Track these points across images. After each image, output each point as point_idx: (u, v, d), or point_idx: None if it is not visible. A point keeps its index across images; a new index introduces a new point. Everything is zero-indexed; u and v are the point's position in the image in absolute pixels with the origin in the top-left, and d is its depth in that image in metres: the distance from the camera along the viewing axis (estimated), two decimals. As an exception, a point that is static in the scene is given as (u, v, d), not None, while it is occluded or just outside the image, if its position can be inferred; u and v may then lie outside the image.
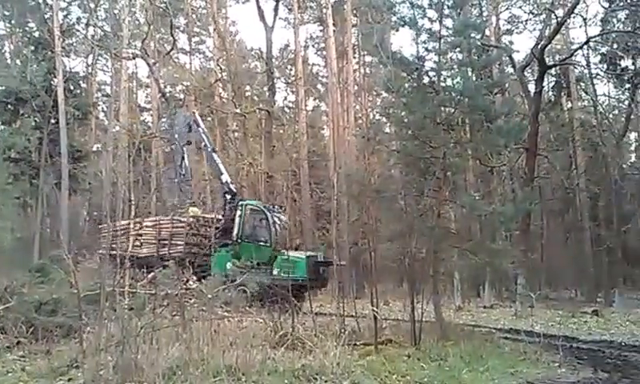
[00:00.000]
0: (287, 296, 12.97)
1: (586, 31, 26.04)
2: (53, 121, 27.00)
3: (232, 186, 20.84)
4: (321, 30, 38.64)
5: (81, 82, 33.60)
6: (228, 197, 20.44)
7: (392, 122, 18.35)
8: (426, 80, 15.05)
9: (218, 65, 34.21)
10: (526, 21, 33.57)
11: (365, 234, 16.93)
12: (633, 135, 35.45)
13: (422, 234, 14.32)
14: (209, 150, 21.93)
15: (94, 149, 35.34)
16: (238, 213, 19.12)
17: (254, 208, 19.60)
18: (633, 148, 36.31)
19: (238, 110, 31.65)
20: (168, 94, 33.92)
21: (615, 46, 25.79)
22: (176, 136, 22.63)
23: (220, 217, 20.58)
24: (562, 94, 32.83)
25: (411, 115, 14.90)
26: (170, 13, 29.93)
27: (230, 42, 37.88)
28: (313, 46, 42.49)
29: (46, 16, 29.17)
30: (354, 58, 37.37)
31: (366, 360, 9.42)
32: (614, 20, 26.45)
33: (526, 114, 22.92)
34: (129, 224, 20.65)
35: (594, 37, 25.06)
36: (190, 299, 12.29)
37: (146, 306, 10.62)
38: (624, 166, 29.83)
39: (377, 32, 20.14)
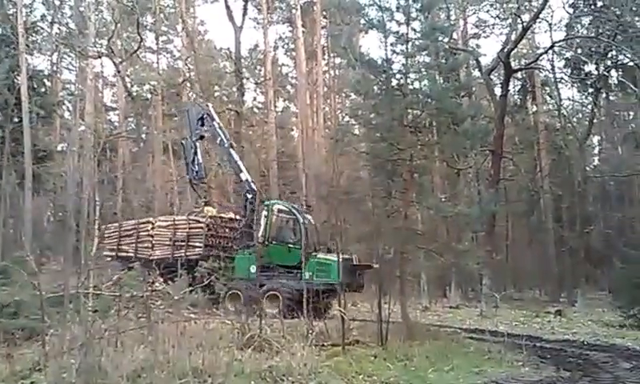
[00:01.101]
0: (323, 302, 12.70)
1: (551, 36, 26.49)
2: (16, 119, 26.34)
3: (253, 185, 19.47)
4: (290, 31, 38.68)
5: (45, 80, 32.86)
6: (249, 196, 19.21)
7: (360, 123, 18.46)
8: (394, 82, 15.17)
9: (186, 64, 33.93)
10: (493, 25, 34.16)
11: (333, 235, 16.95)
12: (595, 139, 36.29)
13: (389, 236, 14.48)
14: (225, 145, 20.28)
15: (59, 148, 34.59)
16: (264, 213, 18.08)
17: (281, 208, 18.56)
18: (596, 151, 37.18)
19: (205, 111, 31.36)
20: (134, 94, 33.50)
21: (579, 51, 26.39)
22: (188, 130, 21.34)
23: (239, 217, 19.67)
24: (528, 97, 33.47)
25: (379, 117, 15.06)
26: (137, 11, 29.58)
27: (198, 41, 37.59)
28: (282, 46, 42.51)
29: (10, 13, 28.49)
30: (324, 59, 37.48)
31: (333, 361, 9.45)
32: (579, 26, 27.09)
33: (492, 116, 23.33)
34: (137, 224, 20.26)
35: (559, 42, 25.63)
36: (157, 301, 12.15)
37: (111, 308, 10.48)
38: (587, 168, 30.50)
39: (345, 34, 20.16)
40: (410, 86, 15.31)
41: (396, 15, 15.10)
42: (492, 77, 26.94)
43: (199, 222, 19.30)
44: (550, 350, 12.57)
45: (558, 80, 30.09)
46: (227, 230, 19.60)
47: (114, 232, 20.60)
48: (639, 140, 28.36)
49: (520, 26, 23.82)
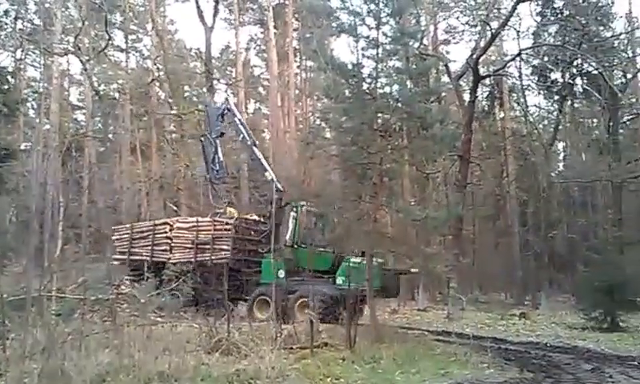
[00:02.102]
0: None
1: (518, 44, 27.00)
2: (-23, 117, 25.70)
3: (279, 185, 18.26)
4: (262, 33, 38.55)
5: (8, 77, 32.06)
6: (275, 197, 18.10)
7: (331, 127, 18.48)
8: (364, 86, 15.23)
9: (155, 64, 33.51)
10: (463, 31, 34.63)
11: (304, 237, 16.92)
12: (560, 145, 37.12)
13: (358, 238, 14.56)
14: (248, 143, 19.07)
15: (22, 147, 33.78)
16: (292, 215, 17.11)
17: (310, 209, 17.43)
18: (560, 157, 38.00)
19: (175, 111, 31.08)
20: (102, 93, 32.96)
21: (546, 59, 26.89)
22: (207, 127, 20.10)
23: (262, 219, 18.66)
24: (495, 103, 33.99)
25: (350, 121, 15.08)
26: (105, 8, 29.06)
27: (168, 40, 37.15)
28: (254, 48, 42.36)
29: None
30: (296, 61, 37.49)
31: (301, 364, 9.43)
32: (546, 34, 27.60)
33: (461, 122, 23.60)
34: (153, 226, 18.97)
35: (526, 49, 26.10)
36: (122, 304, 11.97)
37: (75, 311, 10.28)
38: (552, 174, 31.12)
39: (316, 37, 20.06)
40: (380, 90, 15.39)
41: (367, 19, 15.15)
42: (461, 82, 27.30)
43: (226, 223, 17.95)
44: (514, 351, 12.79)
45: (524, 87, 30.67)
46: (252, 233, 18.45)
47: (124, 234, 19.21)
48: (603, 147, 29.02)
49: (489, 33, 24.20)
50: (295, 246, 16.86)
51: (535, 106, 35.41)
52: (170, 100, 31.72)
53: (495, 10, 27.08)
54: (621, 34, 26.74)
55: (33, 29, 32.13)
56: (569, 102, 30.96)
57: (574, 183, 31.68)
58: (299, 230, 16.93)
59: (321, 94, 28.99)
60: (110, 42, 31.26)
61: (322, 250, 16.59)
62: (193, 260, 17.33)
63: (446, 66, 26.80)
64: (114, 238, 19.24)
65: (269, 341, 10.08)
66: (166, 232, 18.32)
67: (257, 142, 19.94)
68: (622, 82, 26.83)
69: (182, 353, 8.70)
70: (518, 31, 25.20)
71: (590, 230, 30.98)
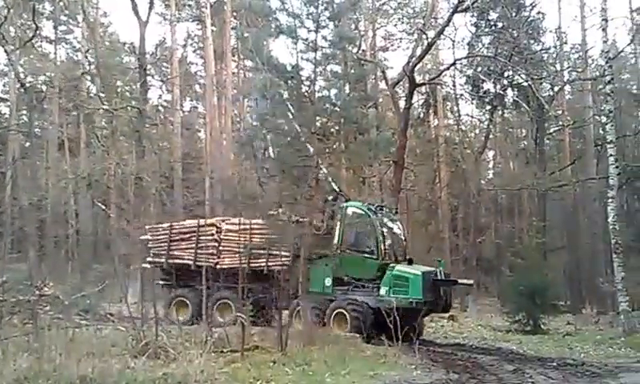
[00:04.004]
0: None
1: (453, 53, 27.75)
2: None
3: (334, 185, 16.91)
4: (200, 30, 37.89)
5: None
6: (329, 197, 16.94)
7: (268, 129, 18.37)
8: (302, 89, 15.27)
9: (86, 57, 32.32)
10: (401, 39, 35.22)
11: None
12: (490, 153, 38.32)
13: (294, 242, 14.53)
14: None
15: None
16: (339, 217, 15.62)
17: (356, 211, 15.75)
18: (490, 165, 39.26)
19: (106, 106, 30.08)
20: (28, 85, 31.48)
21: (479, 69, 27.68)
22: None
23: (313, 222, 16.58)
24: (430, 111, 34.75)
25: (287, 123, 15.08)
26: (34, -4, 27.82)
27: (100, 33, 35.95)
28: (191, 45, 41.55)
29: None
30: (234, 60, 37.05)
31: (231, 367, 9.32)
32: (480, 45, 28.45)
33: (396, 128, 23.97)
34: (197, 227, 16.96)
35: (460, 59, 26.80)
36: (45, 306, 11.44)
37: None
38: (482, 181, 32.16)
39: (252, 37, 19.71)
40: (319, 94, 15.49)
41: (306, 22, 15.24)
42: (397, 89, 27.73)
43: (283, 226, 16.01)
44: (441, 353, 13.16)
45: (458, 96, 31.53)
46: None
47: (162, 234, 17.39)
48: (530, 156, 30.22)
49: (425, 42, 24.70)
50: (340, 252, 15.29)
51: (467, 114, 36.44)
52: (102, 95, 30.62)
53: (432, 20, 27.71)
54: (550, 47, 27.86)
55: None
56: (499, 112, 32.01)
57: (502, 190, 32.83)
58: (344, 234, 15.36)
59: (258, 95, 28.85)
60: (38, 32, 29.91)
61: (367, 256, 15.11)
62: (246, 265, 15.50)
63: (384, 72, 27.18)
64: (147, 237, 17.26)
65: (198, 344, 9.88)
66: (212, 234, 16.63)
67: None
68: (549, 95, 27.90)
69: (107, 357, 8.43)
70: (454, 41, 25.81)
71: (516, 236, 32.17)
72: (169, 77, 35.39)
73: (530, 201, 32.75)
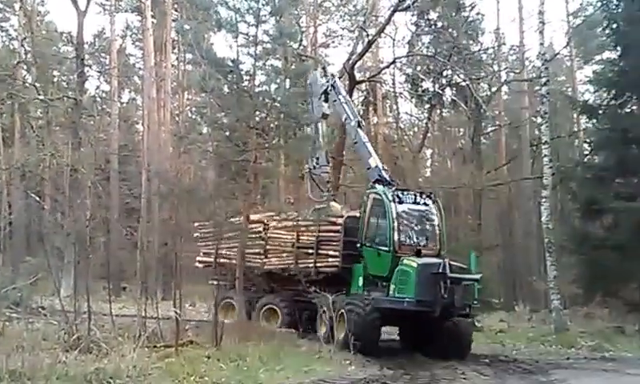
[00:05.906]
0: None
1: (393, 52, 28.08)
2: None
3: (385, 174, 14.85)
4: (139, 21, 37.07)
5: None
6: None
7: (206, 122, 18.27)
8: (242, 83, 15.26)
9: (22, 45, 31.15)
10: (341, 36, 35.51)
11: (174, 234, 16.33)
12: (428, 152, 39.17)
13: (231, 237, 14.52)
14: (352, 124, 15.94)
15: None
16: (363, 206, 14.21)
17: (375, 196, 13.86)
18: (428, 163, 40.08)
19: (42, 97, 29.04)
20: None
21: (418, 68, 28.21)
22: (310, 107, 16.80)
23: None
24: (369, 108, 35.18)
25: (226, 117, 15.04)
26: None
27: (37, 21, 34.65)
28: (130, 36, 40.61)
29: None
30: (174, 53, 36.47)
31: (165, 362, 9.25)
32: (419, 44, 28.99)
33: (335, 125, 24.22)
34: (246, 224, 15.46)
35: (400, 57, 27.30)
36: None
37: None
38: (419, 179, 32.80)
39: (192, 29, 19.53)
40: (258, 88, 15.51)
41: (246, 16, 15.22)
42: (337, 86, 27.92)
43: (334, 223, 14.77)
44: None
45: (397, 94, 32.05)
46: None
47: (209, 233, 16.30)
48: (466, 155, 31.05)
49: (366, 40, 25.03)
50: (362, 246, 13.71)
51: (406, 113, 37.02)
52: (37, 85, 29.55)
53: (373, 18, 28.05)
54: (488, 48, 28.64)
55: None
56: (437, 111, 32.72)
57: (439, 188, 33.56)
58: (366, 226, 13.78)
59: (197, 88, 28.51)
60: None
61: (382, 249, 13.21)
62: (293, 266, 14.68)
63: (324, 68, 27.23)
64: (196, 235, 16.39)
65: (132, 339, 9.77)
66: (259, 232, 15.55)
67: (362, 124, 17.03)
68: (486, 95, 28.69)
69: (38, 351, 8.29)
70: (394, 39, 26.26)
71: (452, 234, 32.96)
72: (107, 68, 34.51)
73: (466, 199, 33.65)
